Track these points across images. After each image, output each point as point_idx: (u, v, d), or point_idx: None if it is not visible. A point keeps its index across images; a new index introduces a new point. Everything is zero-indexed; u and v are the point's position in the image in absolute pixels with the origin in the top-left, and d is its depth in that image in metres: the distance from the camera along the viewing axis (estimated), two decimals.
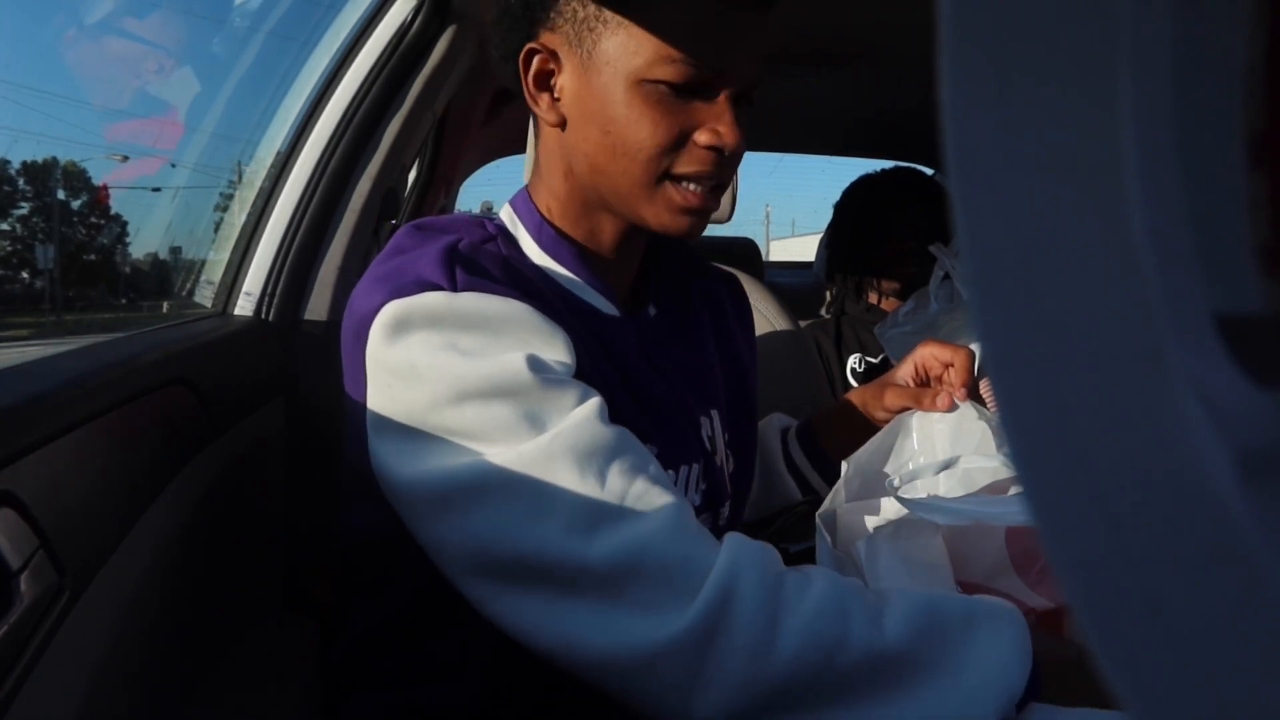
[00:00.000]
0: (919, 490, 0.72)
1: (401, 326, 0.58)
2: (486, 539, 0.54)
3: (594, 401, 0.57)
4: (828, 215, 1.72)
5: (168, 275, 1.36)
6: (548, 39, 0.66)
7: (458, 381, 0.56)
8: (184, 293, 1.16)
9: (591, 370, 0.63)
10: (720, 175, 0.66)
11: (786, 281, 2.26)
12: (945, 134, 0.13)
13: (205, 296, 1.04)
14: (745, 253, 2.15)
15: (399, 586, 0.66)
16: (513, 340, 0.58)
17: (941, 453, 0.74)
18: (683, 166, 0.64)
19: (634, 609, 0.52)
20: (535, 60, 0.66)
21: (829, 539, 0.67)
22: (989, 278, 0.13)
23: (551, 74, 0.67)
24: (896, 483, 0.71)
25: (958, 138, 0.13)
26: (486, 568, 0.55)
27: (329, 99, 1.01)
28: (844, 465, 0.75)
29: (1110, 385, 0.13)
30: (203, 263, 1.15)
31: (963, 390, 0.78)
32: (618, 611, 0.52)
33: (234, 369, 0.82)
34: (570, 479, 0.54)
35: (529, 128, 0.82)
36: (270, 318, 0.94)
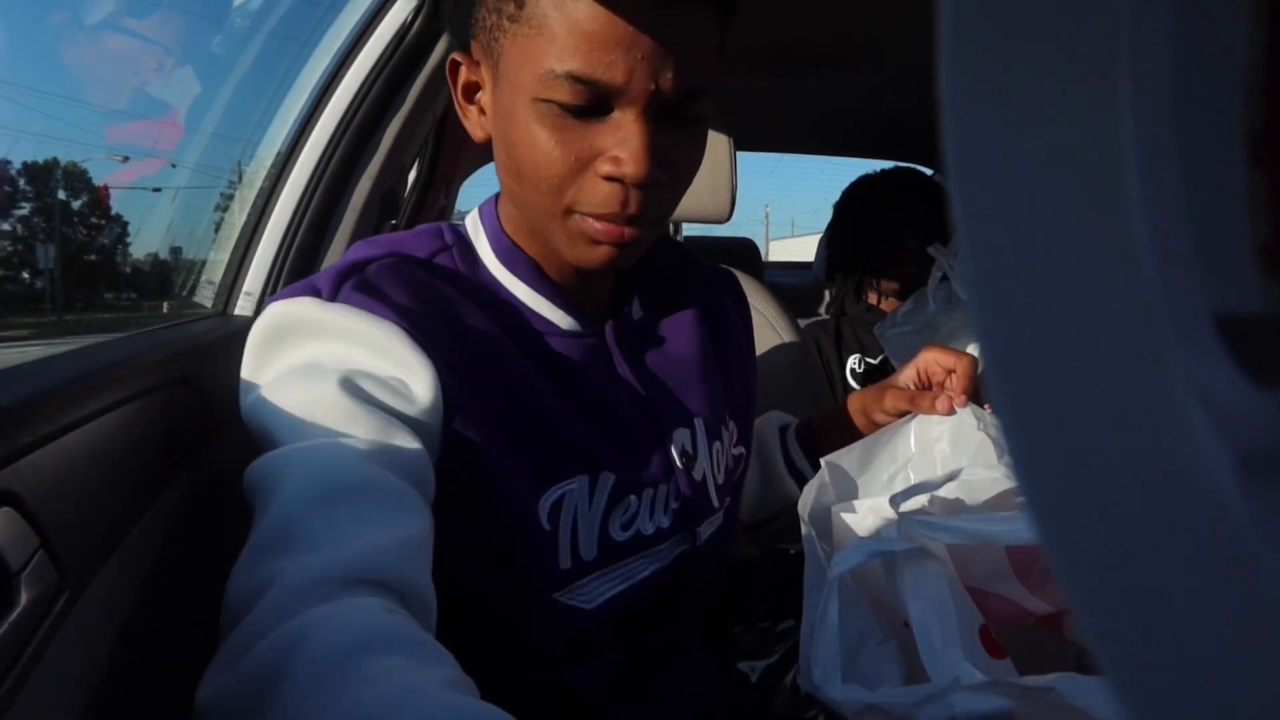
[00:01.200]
0: (921, 503, 0.71)
1: (270, 329, 0.56)
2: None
3: (385, 442, 0.51)
4: (827, 215, 1.73)
5: (168, 275, 1.36)
6: (474, 47, 0.61)
7: (282, 389, 0.53)
8: (184, 293, 1.16)
9: (527, 398, 0.59)
10: (629, 213, 0.56)
11: (786, 281, 2.26)
12: (945, 134, 0.13)
13: (206, 296, 1.04)
14: (745, 253, 2.16)
15: None
16: (360, 356, 0.54)
17: (941, 461, 0.74)
18: (583, 202, 0.56)
19: (218, 655, 0.43)
20: (461, 71, 0.62)
21: (818, 542, 0.67)
22: (988, 278, 0.13)
23: (478, 88, 0.62)
24: (896, 487, 0.70)
25: (958, 138, 0.13)
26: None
27: (329, 99, 1.01)
28: (822, 464, 0.74)
29: (1110, 385, 0.13)
30: (203, 263, 1.15)
31: (963, 397, 0.77)
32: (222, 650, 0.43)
33: (234, 369, 0.82)
34: (282, 500, 0.48)
35: None
36: None
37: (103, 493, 0.52)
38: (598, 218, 0.57)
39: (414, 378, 0.54)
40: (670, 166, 0.57)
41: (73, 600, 0.45)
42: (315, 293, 0.56)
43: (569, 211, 0.57)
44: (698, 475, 0.71)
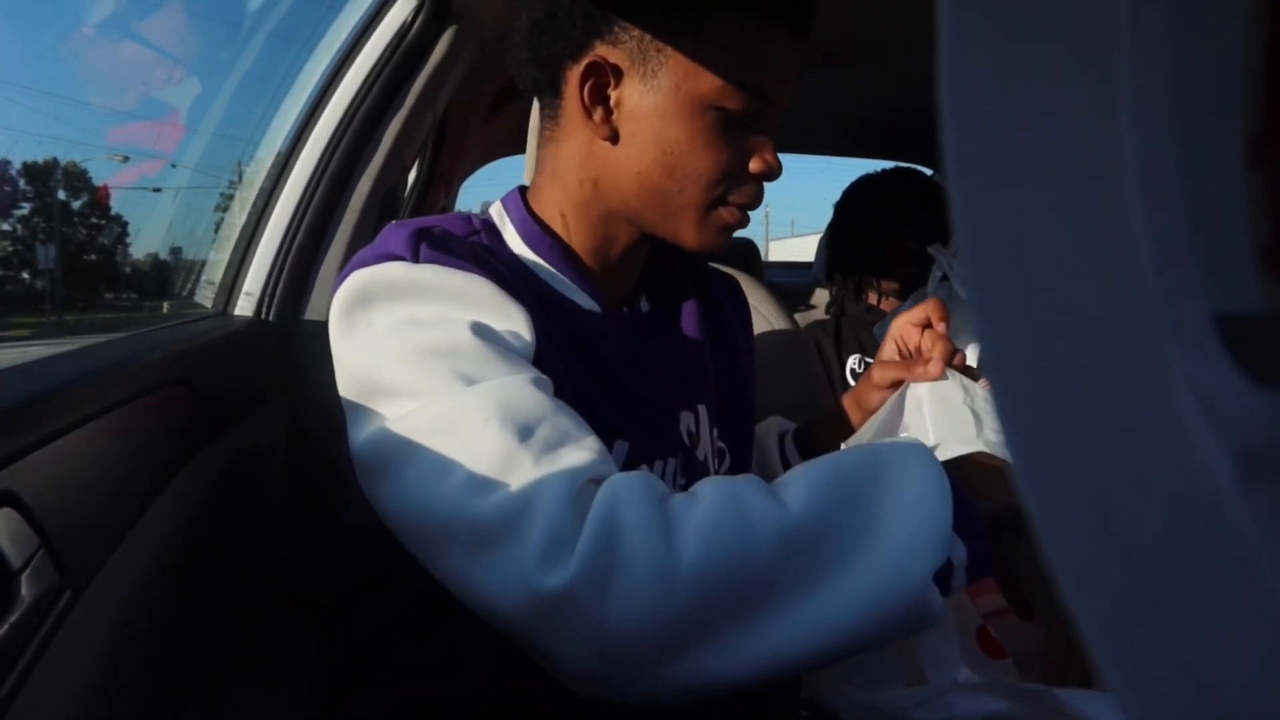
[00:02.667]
0: None
1: (360, 295, 0.58)
2: (409, 498, 0.54)
3: (534, 374, 0.57)
4: (827, 215, 1.73)
5: (168, 275, 1.36)
6: (607, 52, 0.66)
7: (404, 345, 0.56)
8: (184, 293, 1.16)
9: (557, 361, 0.62)
10: (759, 201, 0.69)
11: (786, 281, 2.26)
12: (945, 134, 0.13)
13: (206, 296, 1.04)
14: (745, 253, 2.15)
15: (399, 585, 0.66)
16: (466, 311, 0.58)
17: (933, 434, 0.74)
18: (736, 195, 0.67)
19: (527, 560, 0.49)
20: (596, 73, 0.66)
21: None
22: (989, 278, 0.13)
23: (607, 86, 0.67)
24: None
25: (957, 138, 0.13)
26: (413, 528, 0.55)
27: (329, 99, 1.01)
28: (842, 448, 0.75)
29: (1110, 385, 0.13)
30: (203, 263, 1.15)
31: (941, 343, 0.78)
32: (512, 565, 0.50)
33: (234, 369, 0.82)
34: (482, 436, 0.52)
35: (530, 128, 0.82)
36: (270, 318, 0.94)
37: (103, 493, 0.52)
38: (742, 208, 0.68)
39: (515, 323, 0.59)
40: None
41: (73, 600, 0.45)
42: (396, 257, 0.59)
43: (716, 204, 0.67)
44: (700, 456, 0.75)
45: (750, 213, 0.69)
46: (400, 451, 0.54)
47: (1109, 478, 0.13)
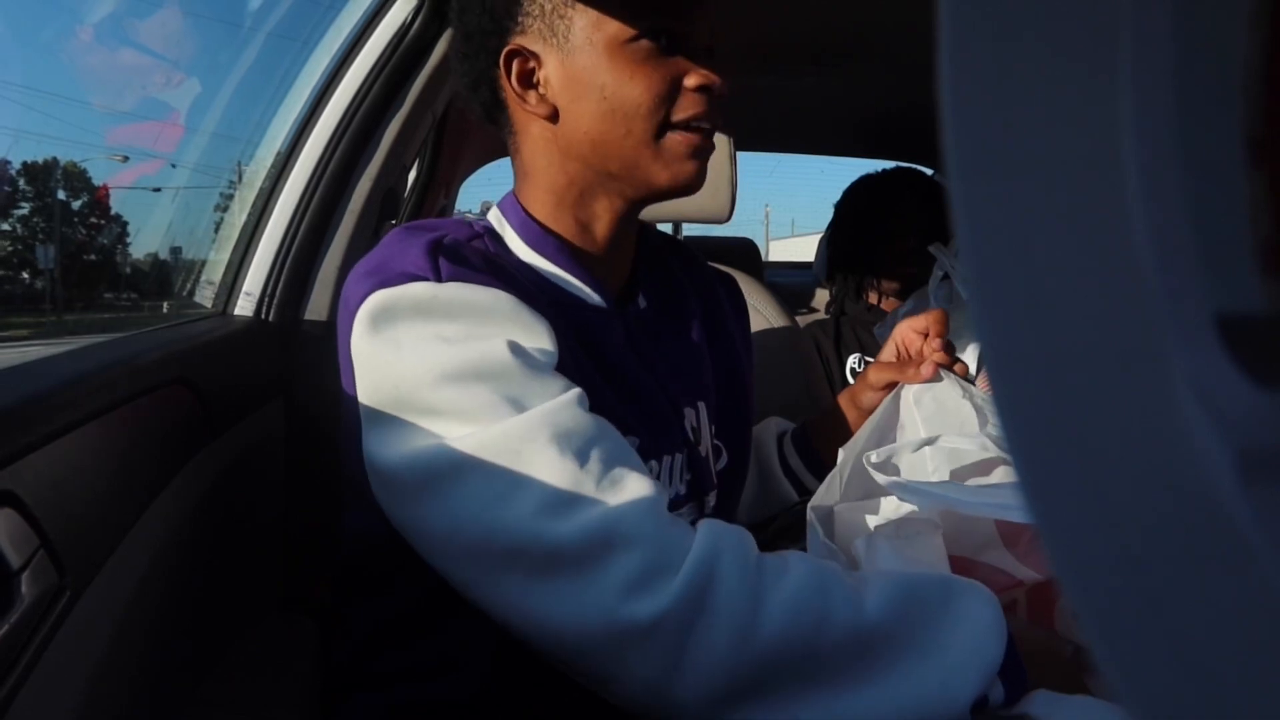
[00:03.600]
0: (901, 468, 0.72)
1: (386, 315, 0.59)
2: (463, 520, 0.54)
3: (575, 391, 0.58)
4: (828, 215, 1.72)
5: (168, 275, 1.36)
6: (521, 40, 0.68)
7: (439, 366, 0.56)
8: (184, 293, 1.16)
9: (571, 362, 0.63)
10: (713, 117, 0.68)
11: (786, 281, 2.25)
12: (945, 134, 0.13)
13: (205, 296, 1.04)
14: (745, 253, 2.15)
15: (400, 586, 0.66)
16: (496, 328, 0.59)
17: (925, 431, 0.74)
18: (680, 112, 0.67)
19: (611, 587, 0.51)
20: (515, 62, 0.68)
21: (820, 531, 0.67)
22: (989, 278, 0.13)
23: (533, 72, 0.69)
24: (874, 458, 0.71)
25: (958, 137, 0.13)
26: (465, 550, 0.55)
27: (329, 99, 1.01)
28: (839, 454, 0.75)
29: (1110, 385, 0.13)
30: (203, 263, 1.15)
31: (942, 355, 0.79)
32: (594, 590, 0.52)
33: (234, 369, 0.82)
34: (545, 460, 0.54)
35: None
36: (270, 318, 0.94)
37: (103, 493, 0.52)
38: (694, 129, 0.67)
39: (540, 337, 0.60)
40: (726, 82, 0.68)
41: (73, 600, 0.45)
42: (419, 277, 0.59)
43: (665, 129, 0.67)
44: (702, 452, 0.76)
45: (708, 132, 0.69)
46: (454, 473, 0.55)
47: (1109, 477, 0.13)
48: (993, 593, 0.57)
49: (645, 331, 0.75)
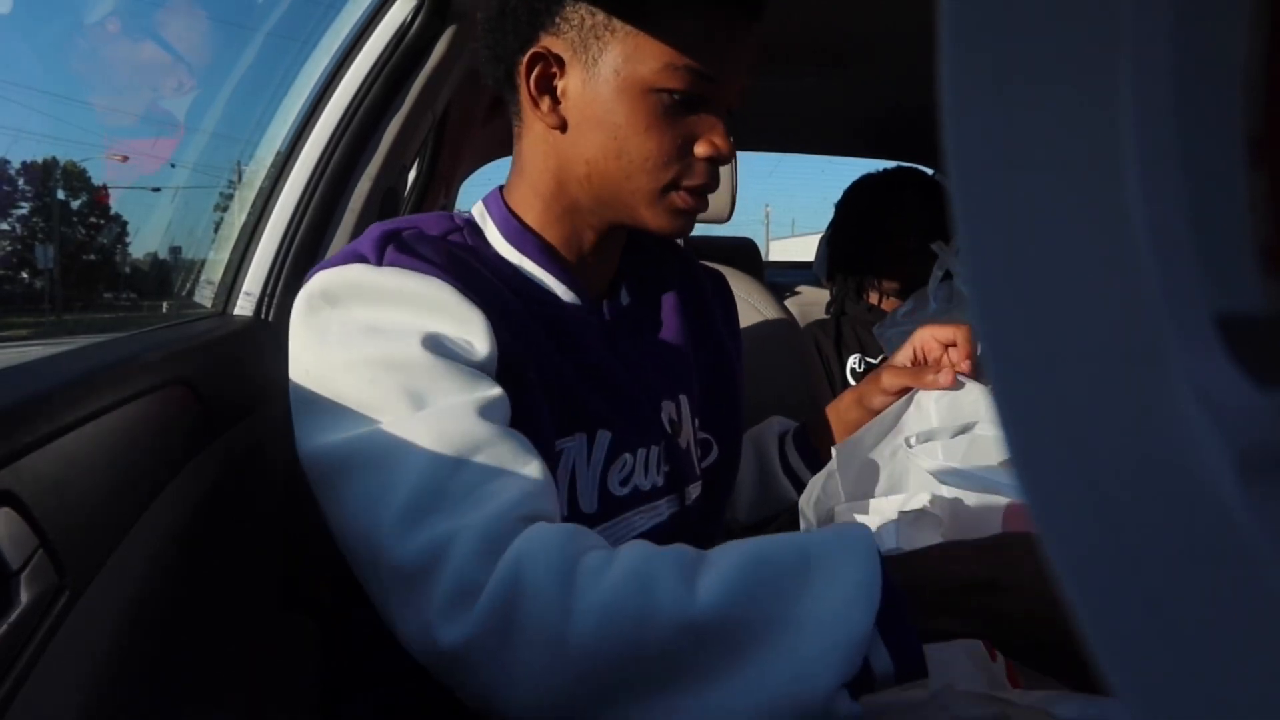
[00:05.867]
0: (933, 453, 0.71)
1: (321, 296, 0.59)
2: (345, 524, 0.54)
3: (482, 395, 0.56)
4: (828, 215, 1.73)
5: (168, 275, 1.36)
6: (550, 43, 0.67)
7: (356, 354, 0.56)
8: (184, 293, 1.16)
9: (537, 356, 0.63)
10: (715, 184, 0.69)
11: (786, 281, 2.25)
12: (945, 134, 0.13)
13: (205, 296, 1.04)
14: (745, 253, 2.15)
15: None
16: (423, 318, 0.58)
17: (953, 420, 0.74)
18: (686, 179, 0.67)
19: (430, 609, 0.49)
20: (539, 65, 0.67)
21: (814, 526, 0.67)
22: (989, 277, 0.13)
23: (553, 77, 0.67)
24: (914, 442, 0.70)
25: (958, 137, 0.13)
26: (349, 552, 0.55)
27: (329, 99, 1.01)
28: (833, 452, 0.74)
29: (1110, 385, 0.13)
30: (203, 263, 1.15)
31: (966, 363, 0.78)
32: (424, 611, 0.50)
33: (234, 369, 0.82)
34: (418, 466, 0.52)
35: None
36: (270, 318, 0.94)
37: (103, 493, 0.52)
38: (693, 193, 0.67)
39: (473, 331, 0.59)
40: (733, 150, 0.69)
41: (73, 600, 0.45)
42: (361, 259, 0.60)
43: (667, 189, 0.67)
44: (683, 443, 0.76)
45: (709, 195, 0.70)
46: (341, 474, 0.54)
47: (1109, 477, 0.13)
48: (869, 536, 0.49)
49: (625, 327, 0.75)
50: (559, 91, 0.67)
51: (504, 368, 0.60)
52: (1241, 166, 0.13)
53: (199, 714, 0.64)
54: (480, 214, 0.73)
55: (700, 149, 0.66)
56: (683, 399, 0.77)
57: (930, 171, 1.72)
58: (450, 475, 0.52)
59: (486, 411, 0.56)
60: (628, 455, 0.69)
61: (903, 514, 0.66)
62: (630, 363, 0.73)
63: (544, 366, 0.64)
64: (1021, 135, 0.12)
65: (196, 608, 0.66)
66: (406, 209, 1.35)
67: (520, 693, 0.48)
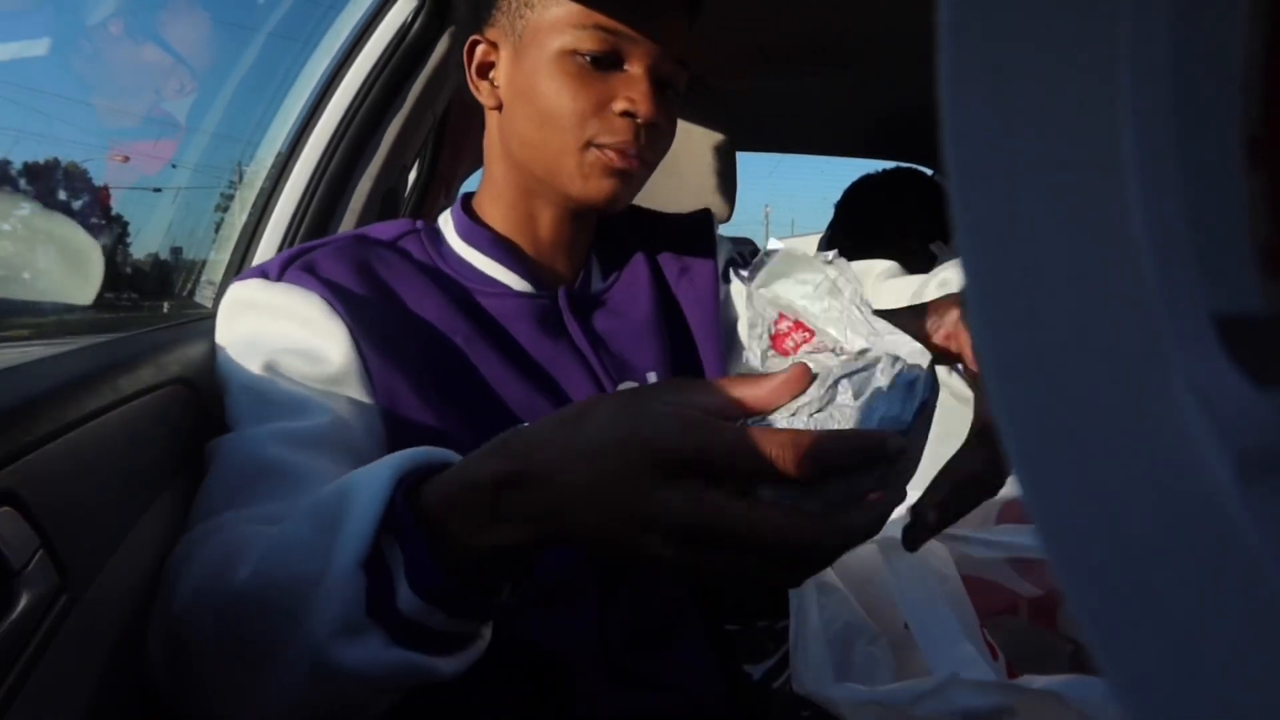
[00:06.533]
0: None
1: (226, 308, 0.67)
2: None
3: (289, 426, 0.59)
4: (827, 215, 1.72)
5: (169, 275, 1.36)
6: (490, 32, 0.72)
7: (229, 368, 0.64)
8: (185, 293, 1.16)
9: (450, 353, 0.66)
10: (640, 146, 0.68)
11: None
12: (945, 134, 0.13)
13: (206, 296, 1.04)
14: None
15: None
16: (288, 331, 0.63)
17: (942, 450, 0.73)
18: (604, 136, 0.67)
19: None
20: (478, 51, 0.72)
21: None
22: (988, 278, 0.13)
23: (493, 64, 0.72)
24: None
25: (957, 138, 0.13)
26: None
27: (329, 99, 1.01)
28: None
29: (1110, 385, 0.13)
30: (203, 263, 1.15)
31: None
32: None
33: None
34: (208, 484, 0.58)
35: None
36: None
37: (103, 492, 0.52)
38: (614, 148, 0.67)
39: (329, 341, 0.63)
40: (662, 118, 0.68)
41: (73, 600, 0.45)
42: (264, 275, 0.66)
43: (587, 146, 0.67)
44: None
45: (633, 155, 0.68)
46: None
47: (1109, 478, 0.13)
48: (388, 475, 0.43)
49: (584, 311, 0.75)
50: (495, 75, 0.72)
51: (385, 382, 0.63)
52: (1241, 167, 0.13)
53: (199, 714, 0.64)
54: (444, 218, 0.77)
55: (619, 104, 0.67)
56: (651, 376, 0.76)
57: (930, 172, 1.72)
58: (224, 498, 0.57)
59: (289, 439, 0.59)
60: None
61: (890, 548, 0.65)
62: (581, 354, 0.72)
63: (471, 369, 0.66)
64: (1021, 136, 0.13)
65: None
66: (407, 209, 1.35)
67: (201, 678, 0.50)
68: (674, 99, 0.72)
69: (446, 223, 0.76)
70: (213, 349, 0.68)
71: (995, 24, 0.12)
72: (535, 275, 0.73)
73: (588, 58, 0.67)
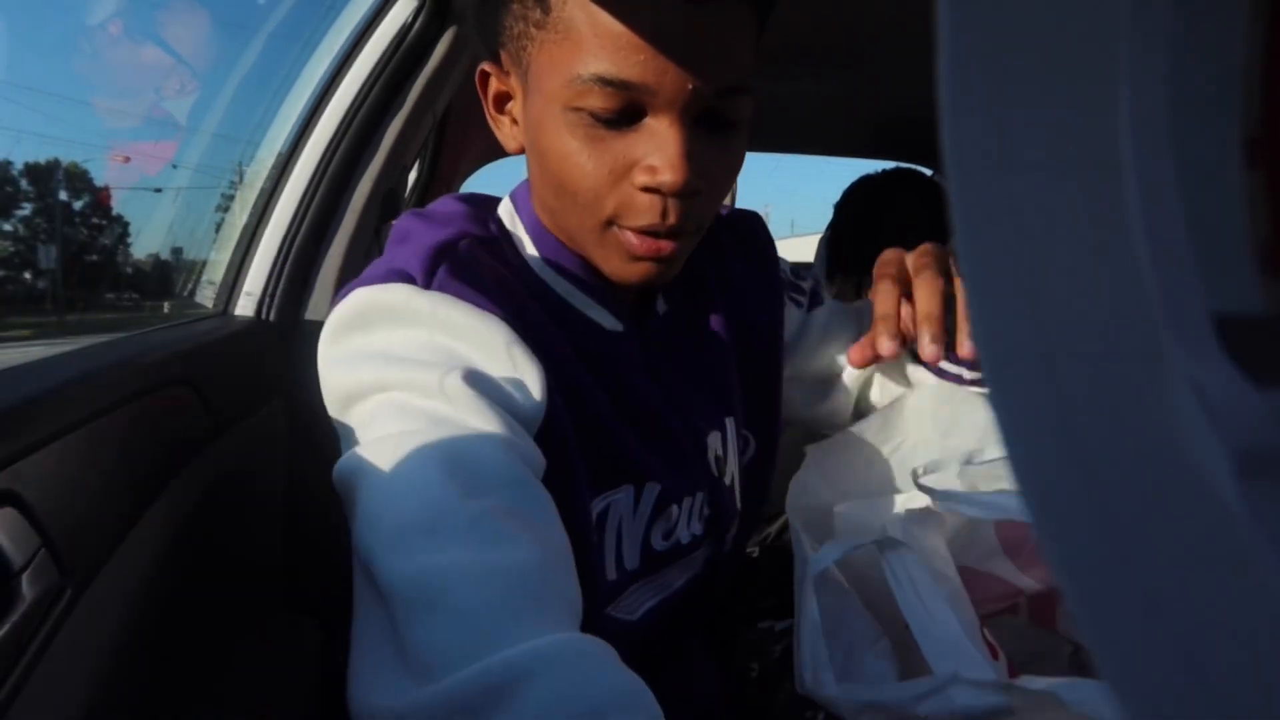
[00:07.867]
0: (946, 482, 0.69)
1: (355, 318, 0.51)
2: (356, 536, 0.46)
3: (518, 438, 0.48)
4: (828, 215, 1.72)
5: (169, 275, 1.36)
6: (503, 57, 0.57)
7: (386, 377, 0.49)
8: (185, 293, 1.16)
9: (581, 403, 0.56)
10: (672, 224, 0.53)
11: None
12: (944, 134, 0.13)
13: (206, 297, 1.04)
14: None
15: None
16: (468, 350, 0.50)
17: (957, 443, 0.72)
18: (626, 217, 0.53)
19: (401, 654, 0.40)
20: (491, 81, 0.58)
21: (805, 539, 0.66)
22: (987, 278, 0.13)
23: (510, 97, 0.58)
24: (921, 471, 0.69)
25: (956, 138, 0.13)
26: (363, 566, 0.46)
27: (330, 99, 1.02)
28: (807, 453, 0.72)
29: (1108, 385, 0.13)
30: (204, 263, 1.15)
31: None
32: (392, 647, 0.41)
33: (235, 369, 0.82)
34: (431, 479, 0.44)
35: None
36: (271, 318, 0.94)
37: (104, 492, 0.52)
38: (637, 231, 0.53)
39: (527, 377, 0.50)
40: (709, 174, 0.53)
41: (74, 599, 0.45)
42: (408, 279, 0.51)
43: (608, 224, 0.54)
44: (727, 480, 0.69)
45: (689, 238, 0.56)
46: (357, 482, 0.47)
47: (1107, 478, 0.13)
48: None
49: (664, 345, 0.65)
50: (511, 109, 0.58)
51: (548, 425, 0.52)
52: (1240, 166, 0.13)
53: (200, 714, 0.64)
54: (509, 215, 0.62)
55: (638, 178, 0.52)
56: (729, 422, 0.68)
57: (929, 172, 1.72)
58: (458, 504, 0.43)
59: (513, 451, 0.47)
60: (675, 507, 0.62)
61: (910, 512, 0.65)
62: (674, 392, 0.64)
63: (591, 414, 0.56)
64: (1019, 136, 0.13)
65: (198, 607, 0.66)
66: (407, 209, 1.35)
67: None
68: (729, 137, 0.54)
69: (516, 224, 0.62)
70: (217, 349, 0.67)
71: (995, 24, 0.12)
72: (618, 308, 0.61)
73: (601, 116, 0.51)
